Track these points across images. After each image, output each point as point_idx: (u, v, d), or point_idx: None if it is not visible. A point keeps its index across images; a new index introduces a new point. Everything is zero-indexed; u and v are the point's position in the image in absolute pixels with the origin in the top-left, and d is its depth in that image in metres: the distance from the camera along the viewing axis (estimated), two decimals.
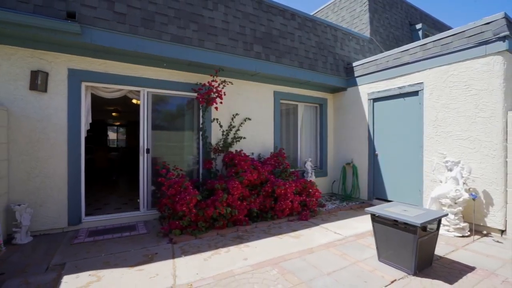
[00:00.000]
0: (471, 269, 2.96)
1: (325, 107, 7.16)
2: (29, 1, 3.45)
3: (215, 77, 5.06)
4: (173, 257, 3.28)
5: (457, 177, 4.22)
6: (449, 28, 11.51)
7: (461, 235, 4.04)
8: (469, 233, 4.09)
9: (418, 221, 2.65)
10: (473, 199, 3.95)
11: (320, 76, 6.37)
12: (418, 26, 9.59)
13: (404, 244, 2.85)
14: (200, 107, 5.20)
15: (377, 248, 3.19)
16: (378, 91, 5.96)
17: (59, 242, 3.72)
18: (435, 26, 10.82)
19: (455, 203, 4.14)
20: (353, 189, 6.49)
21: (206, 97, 4.97)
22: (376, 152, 6.07)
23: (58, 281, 2.68)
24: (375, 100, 6.10)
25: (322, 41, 6.62)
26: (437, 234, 3.04)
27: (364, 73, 6.33)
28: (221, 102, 5.09)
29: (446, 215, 3.13)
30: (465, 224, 4.11)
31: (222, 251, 3.48)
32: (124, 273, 2.87)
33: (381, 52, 7.80)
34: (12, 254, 3.26)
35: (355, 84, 6.59)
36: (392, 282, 2.70)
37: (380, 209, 3.18)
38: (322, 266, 3.03)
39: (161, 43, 4.40)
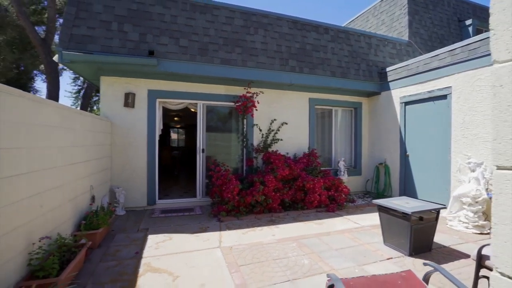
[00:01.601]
0: (466, 256, 3.39)
1: (360, 111, 7.61)
2: (125, 47, 4.96)
3: (248, 89, 6.07)
4: (220, 230, 4.39)
5: (479, 177, 4.47)
6: None
7: (479, 232, 4.30)
8: (489, 230, 4.31)
9: (410, 211, 3.24)
10: (489, 198, 4.19)
11: (352, 82, 6.90)
12: (468, 22, 9.18)
13: (401, 230, 3.44)
14: (240, 115, 6.29)
15: (382, 234, 3.81)
16: (410, 95, 6.26)
17: (142, 215, 5.17)
18: None
19: (476, 202, 4.40)
20: (385, 188, 6.85)
21: (243, 107, 6.01)
22: (407, 153, 6.37)
23: (145, 238, 4.00)
24: (407, 103, 6.39)
25: (355, 50, 7.12)
26: (436, 224, 3.52)
27: (396, 78, 6.66)
28: (256, 110, 6.09)
29: (444, 207, 3.58)
30: (486, 222, 4.35)
31: (257, 229, 4.47)
32: (186, 237, 4.07)
33: (421, 54, 7.86)
34: (115, 221, 4.77)
35: (388, 88, 6.93)
36: (388, 259, 3.33)
37: (386, 201, 3.78)
38: (333, 244, 3.79)
39: (212, 66, 5.60)
